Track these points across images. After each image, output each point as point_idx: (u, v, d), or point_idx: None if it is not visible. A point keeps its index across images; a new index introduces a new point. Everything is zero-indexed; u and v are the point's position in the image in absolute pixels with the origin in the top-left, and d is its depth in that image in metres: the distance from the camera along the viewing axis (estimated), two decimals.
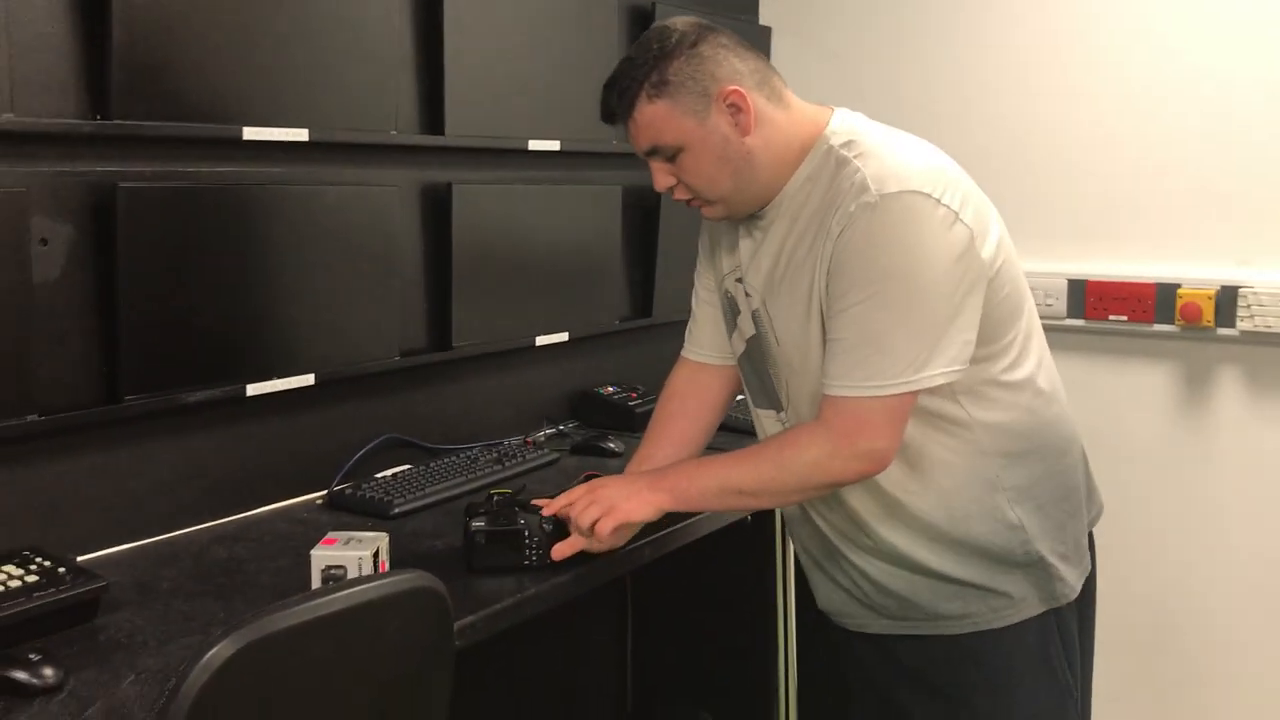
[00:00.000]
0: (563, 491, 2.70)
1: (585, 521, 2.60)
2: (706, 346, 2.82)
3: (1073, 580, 2.58)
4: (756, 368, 2.64)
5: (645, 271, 4.20)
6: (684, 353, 2.88)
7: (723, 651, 3.91)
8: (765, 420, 2.67)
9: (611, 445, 3.63)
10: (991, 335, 2.45)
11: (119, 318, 2.72)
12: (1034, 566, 2.53)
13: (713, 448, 2.76)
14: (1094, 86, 4.15)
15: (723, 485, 2.50)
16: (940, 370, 2.37)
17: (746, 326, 2.64)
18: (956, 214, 2.35)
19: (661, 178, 2.51)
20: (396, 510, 3.05)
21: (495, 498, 2.75)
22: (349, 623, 1.99)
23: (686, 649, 4.01)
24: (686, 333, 2.88)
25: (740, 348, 2.68)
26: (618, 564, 2.76)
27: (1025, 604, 2.53)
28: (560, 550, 2.67)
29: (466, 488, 3.22)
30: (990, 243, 2.41)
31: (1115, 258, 4.14)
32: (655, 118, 2.45)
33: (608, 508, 2.58)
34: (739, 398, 2.90)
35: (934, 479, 2.49)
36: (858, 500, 2.53)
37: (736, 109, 2.44)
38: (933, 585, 2.53)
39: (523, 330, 3.73)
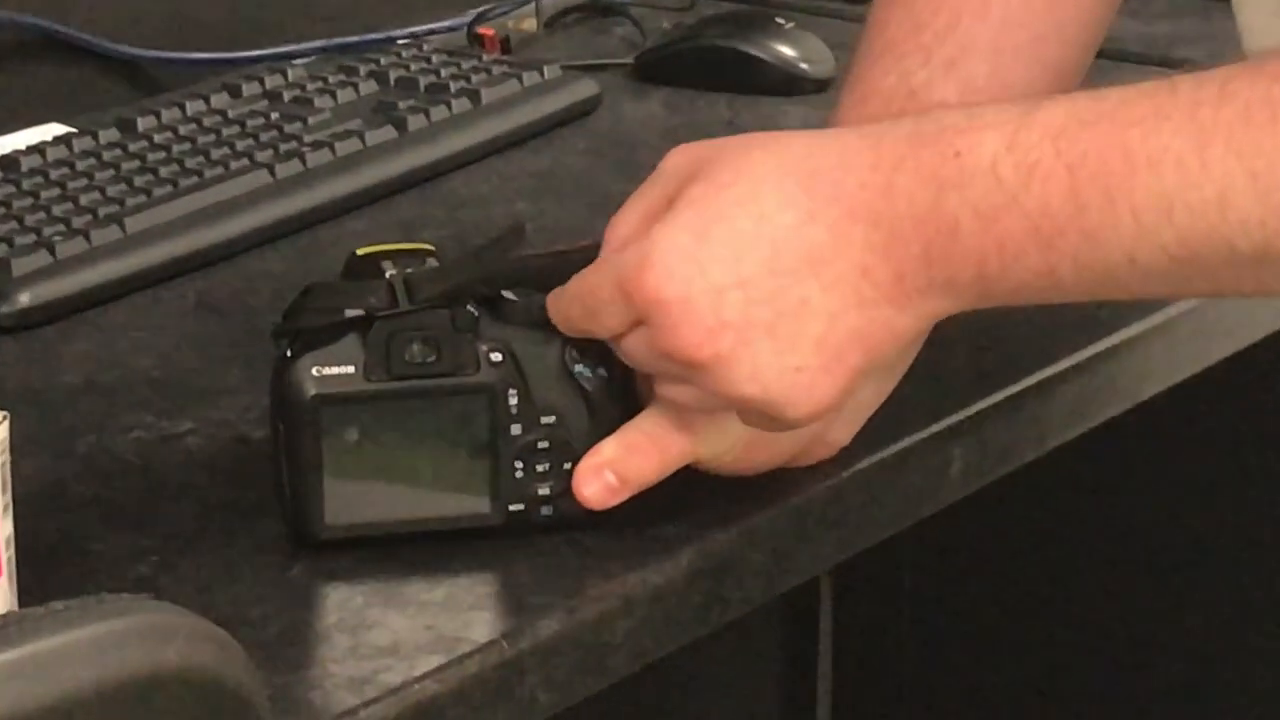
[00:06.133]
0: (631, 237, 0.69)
1: (708, 394, 0.69)
2: None
3: None
4: None
5: None
6: None
7: None
8: None
9: (785, 49, 1.14)
10: None
11: None
12: None
13: None
14: None
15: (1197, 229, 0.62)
16: None
17: None
18: None
19: None
20: (25, 301, 0.90)
21: (390, 273, 0.72)
22: None
23: None
24: None
25: None
26: (815, 549, 0.78)
27: None
28: (604, 470, 0.70)
29: (274, 214, 0.98)
30: None
31: None
32: None
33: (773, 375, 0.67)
34: None
35: None
36: None
37: None
38: None
39: None
